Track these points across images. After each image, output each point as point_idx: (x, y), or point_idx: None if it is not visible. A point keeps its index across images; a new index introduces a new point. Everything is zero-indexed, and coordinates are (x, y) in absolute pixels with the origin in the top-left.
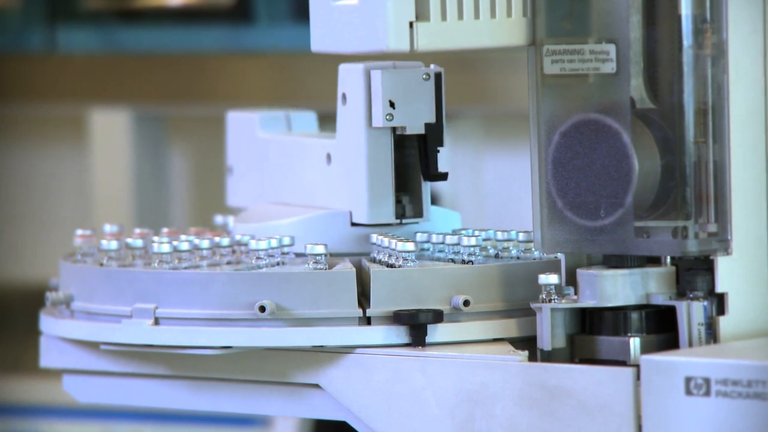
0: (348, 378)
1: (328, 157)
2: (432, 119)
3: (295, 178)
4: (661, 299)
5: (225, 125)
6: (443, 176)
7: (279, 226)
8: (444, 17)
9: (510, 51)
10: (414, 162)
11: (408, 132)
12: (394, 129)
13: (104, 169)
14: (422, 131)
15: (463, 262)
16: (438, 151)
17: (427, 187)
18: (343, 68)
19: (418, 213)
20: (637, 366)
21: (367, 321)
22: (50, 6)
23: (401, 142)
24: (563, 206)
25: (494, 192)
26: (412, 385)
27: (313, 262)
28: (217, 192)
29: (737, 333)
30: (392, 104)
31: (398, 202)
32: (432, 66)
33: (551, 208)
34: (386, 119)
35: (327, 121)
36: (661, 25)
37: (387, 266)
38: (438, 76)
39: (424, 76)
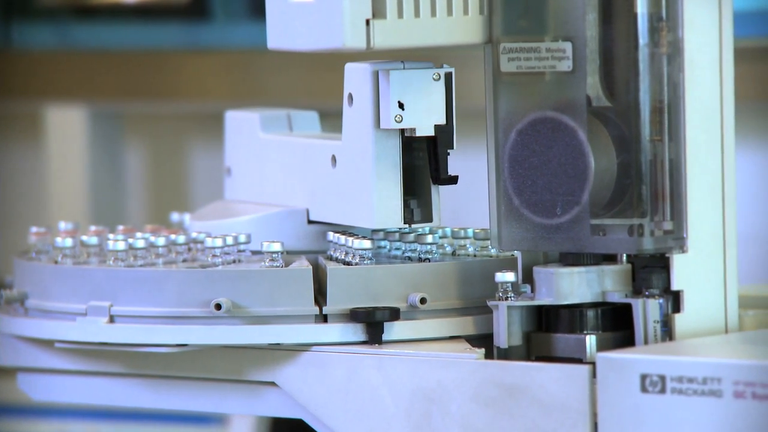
0: (304, 376)
1: (333, 159)
2: (442, 120)
3: (298, 180)
4: (617, 297)
5: (223, 125)
6: (453, 180)
7: (235, 224)
8: (401, 15)
9: (466, 49)
10: (423, 164)
11: (417, 134)
12: (402, 131)
13: (60, 166)
14: (432, 133)
15: (420, 259)
16: (448, 154)
17: (436, 191)
18: (350, 68)
19: (427, 217)
20: (593, 363)
21: (324, 319)
22: (5, 2)
23: (409, 144)
24: (520, 204)
25: (451, 190)
26: (368, 382)
27: (270, 260)
28: (173, 189)
29: (692, 330)
30: (401, 105)
31: (406, 206)
32: (443, 65)
33: (508, 206)
34: (395, 121)
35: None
36: (617, 23)
37: (343, 264)
38: (448, 76)
39: (434, 76)
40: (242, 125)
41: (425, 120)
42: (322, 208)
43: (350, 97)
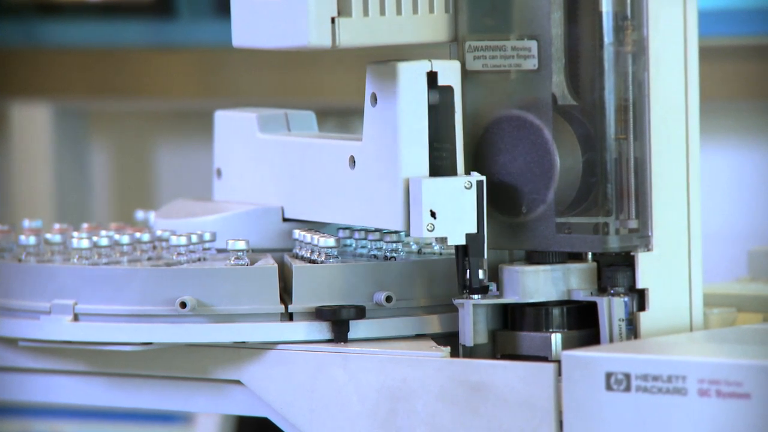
0: (270, 374)
1: (352, 160)
2: (473, 229)
3: (307, 181)
4: (582, 295)
5: (212, 124)
6: (485, 289)
7: (205, 222)
8: (366, 13)
9: (432, 47)
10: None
11: (449, 243)
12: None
13: (24, 163)
14: (463, 242)
15: (386, 258)
16: (479, 264)
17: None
18: (374, 68)
19: None
20: (559, 362)
21: (289, 317)
22: None
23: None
24: (486, 202)
25: None
26: (334, 381)
27: (235, 258)
28: (138, 187)
29: (657, 329)
30: (433, 214)
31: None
32: (473, 174)
33: None
34: (427, 230)
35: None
36: (582, 22)
37: (309, 262)
38: (480, 185)
39: (465, 185)
40: (236, 125)
41: (457, 229)
42: (337, 210)
43: (374, 96)
